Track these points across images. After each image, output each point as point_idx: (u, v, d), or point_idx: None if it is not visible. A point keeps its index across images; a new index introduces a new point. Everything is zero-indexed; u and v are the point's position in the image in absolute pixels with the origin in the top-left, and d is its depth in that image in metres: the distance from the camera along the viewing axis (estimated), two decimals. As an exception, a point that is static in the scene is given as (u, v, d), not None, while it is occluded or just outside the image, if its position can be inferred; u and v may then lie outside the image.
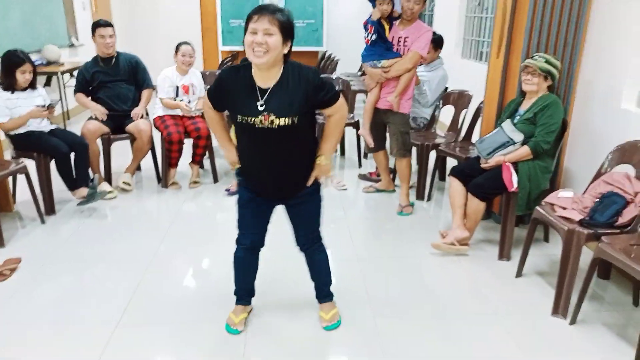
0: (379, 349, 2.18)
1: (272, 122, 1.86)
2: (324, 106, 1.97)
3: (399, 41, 3.36)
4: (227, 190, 3.99)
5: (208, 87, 2.05)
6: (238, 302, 2.34)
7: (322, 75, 2.00)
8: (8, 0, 5.14)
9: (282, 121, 1.86)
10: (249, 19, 1.79)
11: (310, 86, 1.88)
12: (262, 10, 1.78)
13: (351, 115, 4.82)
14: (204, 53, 8.02)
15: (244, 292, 2.33)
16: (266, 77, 1.87)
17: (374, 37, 3.34)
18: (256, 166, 2.02)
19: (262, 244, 2.22)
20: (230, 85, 1.92)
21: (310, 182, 2.07)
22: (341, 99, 1.99)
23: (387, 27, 3.39)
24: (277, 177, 2.02)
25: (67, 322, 2.34)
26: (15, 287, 2.62)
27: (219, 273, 2.77)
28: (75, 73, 5.95)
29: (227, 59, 6.45)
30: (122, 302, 2.49)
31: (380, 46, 3.34)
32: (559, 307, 2.43)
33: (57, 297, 2.55)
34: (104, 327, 2.29)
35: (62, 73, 5.70)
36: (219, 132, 2.14)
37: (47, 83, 5.78)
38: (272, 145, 1.93)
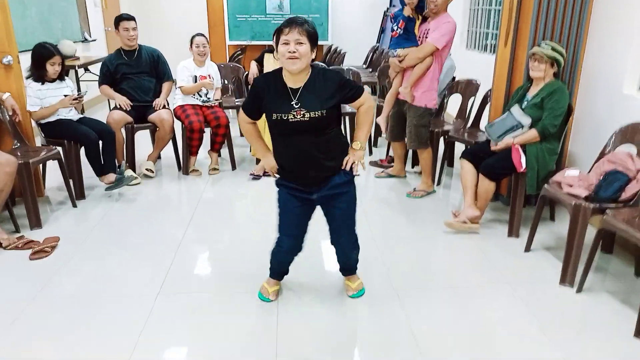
0: (403, 315, 2.36)
1: (303, 115, 2.08)
2: (350, 101, 2.21)
3: (423, 33, 3.51)
4: (252, 174, 4.17)
5: (241, 101, 2.25)
6: (272, 276, 2.51)
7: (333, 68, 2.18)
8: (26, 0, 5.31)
9: (313, 114, 2.08)
10: (280, 32, 2.03)
11: (334, 85, 2.12)
12: (291, 23, 2.02)
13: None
14: (211, 47, 8.15)
15: (278, 273, 2.51)
16: (297, 79, 2.10)
17: (401, 31, 3.48)
18: (293, 158, 2.19)
19: (300, 249, 2.35)
20: (264, 91, 2.14)
21: (344, 165, 2.22)
22: (365, 93, 2.23)
23: (417, 21, 3.52)
24: (312, 164, 2.17)
25: (110, 295, 2.51)
26: (57, 265, 2.79)
27: (245, 251, 2.96)
28: (90, 67, 6.15)
29: (237, 52, 6.62)
30: (159, 276, 2.67)
31: (401, 36, 3.50)
32: (567, 277, 2.61)
33: (97, 273, 2.72)
34: (146, 298, 2.47)
35: (78, 67, 5.86)
36: (256, 143, 2.33)
37: (64, 76, 5.94)
38: (305, 136, 2.13)
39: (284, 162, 2.24)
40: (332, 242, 2.38)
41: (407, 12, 3.47)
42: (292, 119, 2.08)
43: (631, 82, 3.01)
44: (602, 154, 2.86)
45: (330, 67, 5.55)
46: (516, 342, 2.18)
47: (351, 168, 2.24)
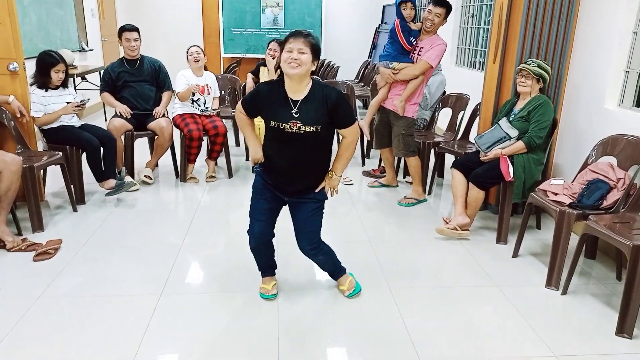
0: (398, 314, 2.47)
1: (299, 127, 2.22)
2: (339, 125, 2.32)
3: (417, 50, 3.69)
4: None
5: (241, 98, 2.38)
6: (264, 275, 2.63)
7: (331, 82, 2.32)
8: (26, 6, 5.40)
9: (308, 128, 2.22)
10: (285, 41, 2.19)
11: (331, 104, 2.23)
12: (296, 34, 2.18)
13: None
14: (206, 58, 8.30)
15: (267, 267, 2.62)
16: (297, 89, 2.23)
17: (414, 41, 3.66)
18: (279, 162, 2.33)
19: (271, 234, 2.46)
20: (266, 97, 2.28)
21: (318, 189, 2.39)
22: (355, 125, 2.34)
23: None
24: (294, 173, 2.33)
25: (113, 295, 2.59)
26: (60, 266, 2.86)
27: (243, 253, 3.04)
28: (87, 76, 6.24)
29: (233, 64, 6.76)
30: (161, 277, 2.76)
31: (396, 49, 3.66)
32: (552, 280, 2.75)
33: (100, 274, 2.79)
34: (149, 297, 2.55)
35: (76, 76, 5.94)
36: (248, 133, 2.44)
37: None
38: (297, 147, 2.28)
39: (269, 161, 2.36)
40: (300, 248, 2.47)
41: (418, 26, 3.66)
42: (288, 129, 2.22)
43: (612, 98, 3.19)
44: (585, 165, 3.02)
45: (326, 80, 5.72)
46: (505, 339, 2.30)
47: (323, 191, 2.41)
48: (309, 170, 2.37)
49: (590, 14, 3.30)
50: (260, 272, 2.63)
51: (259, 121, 2.40)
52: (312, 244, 2.44)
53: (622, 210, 2.67)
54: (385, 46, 3.79)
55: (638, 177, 2.74)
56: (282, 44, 2.22)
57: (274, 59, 4.34)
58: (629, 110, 3.11)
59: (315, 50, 2.19)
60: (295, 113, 2.22)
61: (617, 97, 3.19)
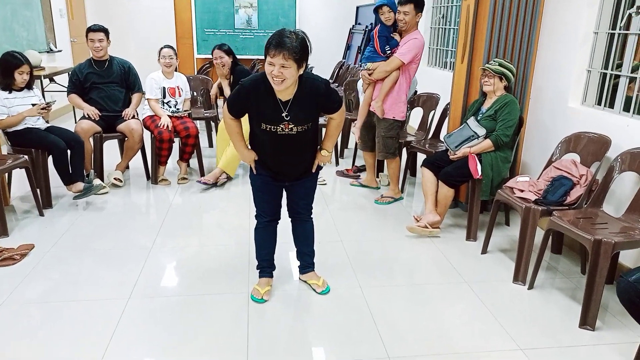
0: (368, 312, 2.49)
1: (291, 129, 2.24)
2: (330, 112, 2.36)
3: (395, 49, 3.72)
4: (204, 182, 4.15)
5: (225, 102, 2.39)
6: (262, 275, 2.63)
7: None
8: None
9: (300, 128, 2.25)
10: (267, 51, 2.08)
11: (321, 96, 2.26)
12: (278, 47, 2.03)
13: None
14: (179, 60, 8.18)
15: (266, 263, 2.62)
16: (285, 92, 2.21)
17: (389, 51, 3.68)
18: (274, 161, 2.38)
19: (278, 217, 2.55)
20: (252, 97, 2.23)
21: (314, 168, 2.46)
22: (342, 107, 2.39)
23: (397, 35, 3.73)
24: (290, 167, 2.41)
25: (80, 300, 2.54)
26: (26, 270, 2.79)
27: (215, 256, 3.03)
28: (55, 78, 6.11)
29: (206, 65, 6.70)
30: (130, 281, 2.72)
31: (371, 51, 3.71)
32: (519, 275, 2.81)
33: (66, 279, 2.74)
34: (117, 302, 2.51)
35: (44, 77, 5.81)
36: (237, 140, 2.39)
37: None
38: (289, 145, 2.31)
39: (264, 161, 2.40)
40: (291, 216, 2.59)
41: (397, 37, 3.69)
42: (280, 131, 2.22)
43: (575, 97, 3.28)
44: (549, 162, 3.09)
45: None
46: (472, 334, 2.34)
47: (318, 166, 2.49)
48: (302, 161, 2.43)
49: (553, 16, 3.39)
50: (258, 272, 2.64)
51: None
52: (309, 210, 2.58)
53: (585, 205, 2.75)
54: (367, 49, 3.83)
55: (599, 174, 2.82)
56: (265, 49, 2.11)
57: (223, 66, 4.34)
58: (591, 108, 3.19)
59: (300, 59, 2.07)
60: (286, 115, 2.21)
61: (580, 96, 3.27)
